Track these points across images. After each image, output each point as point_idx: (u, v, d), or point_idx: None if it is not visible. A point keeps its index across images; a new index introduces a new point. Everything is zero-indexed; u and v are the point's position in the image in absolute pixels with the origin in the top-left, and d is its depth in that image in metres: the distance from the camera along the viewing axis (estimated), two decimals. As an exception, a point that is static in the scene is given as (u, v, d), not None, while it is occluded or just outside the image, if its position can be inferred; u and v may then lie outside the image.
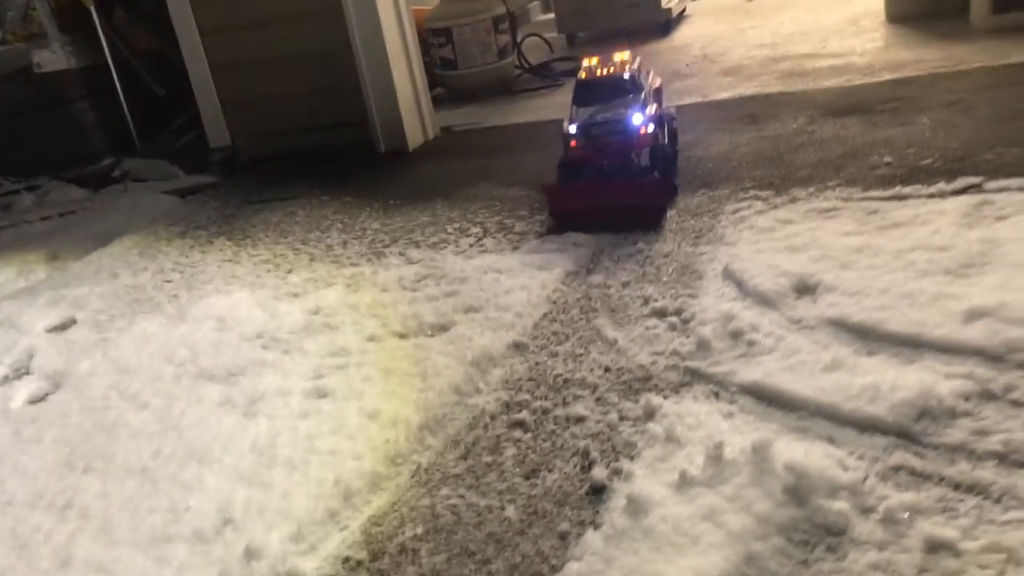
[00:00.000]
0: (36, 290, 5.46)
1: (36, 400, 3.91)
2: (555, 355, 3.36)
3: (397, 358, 3.58)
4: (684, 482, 2.36)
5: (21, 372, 4.24)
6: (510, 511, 2.56)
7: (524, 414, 3.01)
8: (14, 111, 8.28)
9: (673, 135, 5.05)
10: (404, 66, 6.92)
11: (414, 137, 7.05)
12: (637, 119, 4.22)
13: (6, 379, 4.20)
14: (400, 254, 4.78)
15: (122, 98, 8.21)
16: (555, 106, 7.47)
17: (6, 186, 8.30)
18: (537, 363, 3.34)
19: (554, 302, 3.78)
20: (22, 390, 4.01)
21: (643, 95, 4.38)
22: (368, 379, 3.45)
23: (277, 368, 3.70)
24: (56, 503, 3.02)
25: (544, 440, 2.86)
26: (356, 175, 6.59)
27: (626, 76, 4.40)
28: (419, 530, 2.56)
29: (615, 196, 4.35)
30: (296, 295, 4.48)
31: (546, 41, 9.33)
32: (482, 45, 8.21)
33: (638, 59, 4.76)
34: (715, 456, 2.39)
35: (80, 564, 2.67)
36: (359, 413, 3.18)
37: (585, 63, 4.65)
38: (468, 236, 4.79)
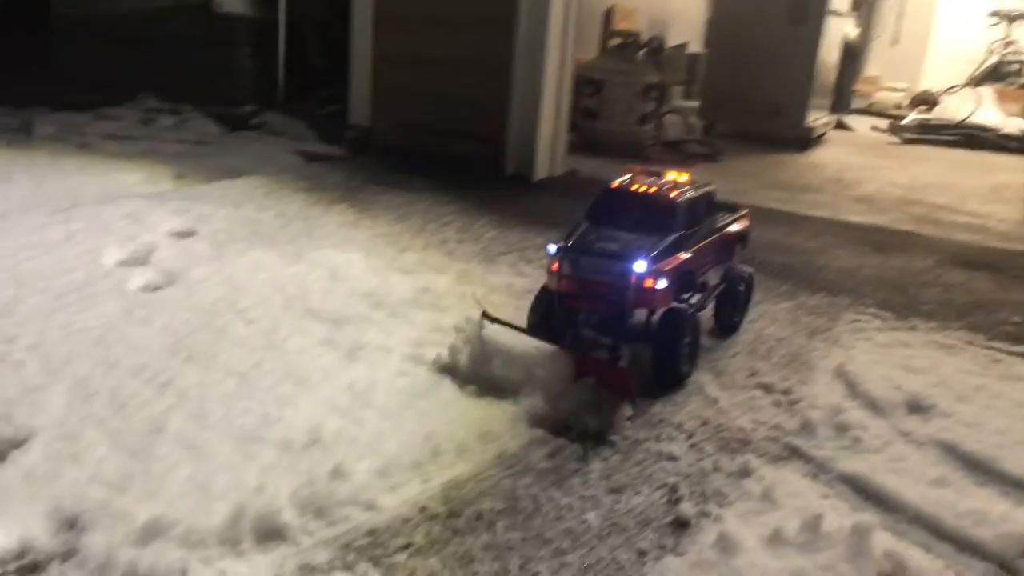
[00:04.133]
0: (164, 197, 5.70)
1: (150, 289, 4.06)
2: (654, 395, 3.37)
3: (499, 352, 3.62)
4: (777, 539, 2.34)
5: (139, 262, 4.41)
6: (591, 516, 2.56)
7: (616, 437, 3.02)
8: (181, 40, 8.73)
9: (729, 299, 3.92)
10: (554, 100, 7.11)
11: (542, 168, 7.20)
12: (640, 266, 3.04)
13: (123, 263, 4.37)
14: (511, 265, 4.86)
15: (282, 55, 8.59)
16: (682, 182, 7.56)
17: (152, 104, 8.71)
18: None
19: (660, 348, 3.80)
20: (138, 277, 4.16)
21: (676, 236, 3.25)
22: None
23: (382, 327, 3.78)
24: (157, 379, 3.12)
25: (633, 466, 2.86)
26: (479, 187, 6.75)
27: (664, 202, 3.31)
28: (498, 506, 2.58)
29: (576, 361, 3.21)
30: (408, 272, 4.58)
31: (687, 122, 9.47)
32: (628, 105, 8.39)
33: (707, 188, 3.61)
34: (812, 525, 2.37)
35: (171, 436, 2.74)
36: (457, 387, 3.23)
37: (631, 172, 3.59)
38: (582, 268, 4.85)
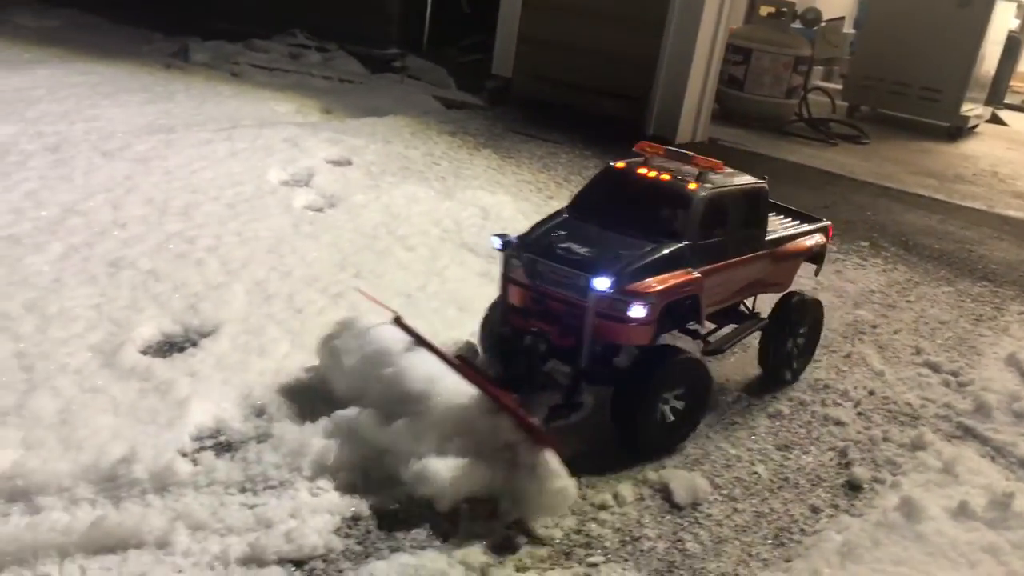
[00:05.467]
0: (317, 127, 5.83)
1: (314, 209, 4.17)
2: (816, 361, 3.28)
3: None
4: (963, 512, 2.26)
5: (301, 183, 4.53)
6: (760, 469, 2.53)
7: (780, 396, 2.96)
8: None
9: (776, 340, 2.89)
10: (704, 63, 6.95)
11: (684, 133, 7.06)
12: (601, 283, 2.19)
13: (287, 183, 4.50)
14: (659, 223, 4.81)
15: (429, 1, 8.65)
16: (823, 159, 7.34)
17: (301, 40, 8.90)
18: (797, 360, 3.27)
19: (817, 317, 3.70)
20: (302, 197, 4.28)
21: (682, 245, 2.34)
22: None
23: (536, 267, 3.80)
24: (329, 291, 3.22)
25: (800, 426, 2.81)
26: (620, 144, 6.62)
27: (675, 194, 2.43)
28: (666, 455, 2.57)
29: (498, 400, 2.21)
30: (556, 218, 4.57)
31: (832, 100, 9.13)
32: (775, 77, 8.13)
33: (751, 183, 2.66)
34: (1003, 503, 2.27)
35: (349, 343, 2.83)
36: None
37: (648, 151, 2.70)
38: (730, 232, 4.77)
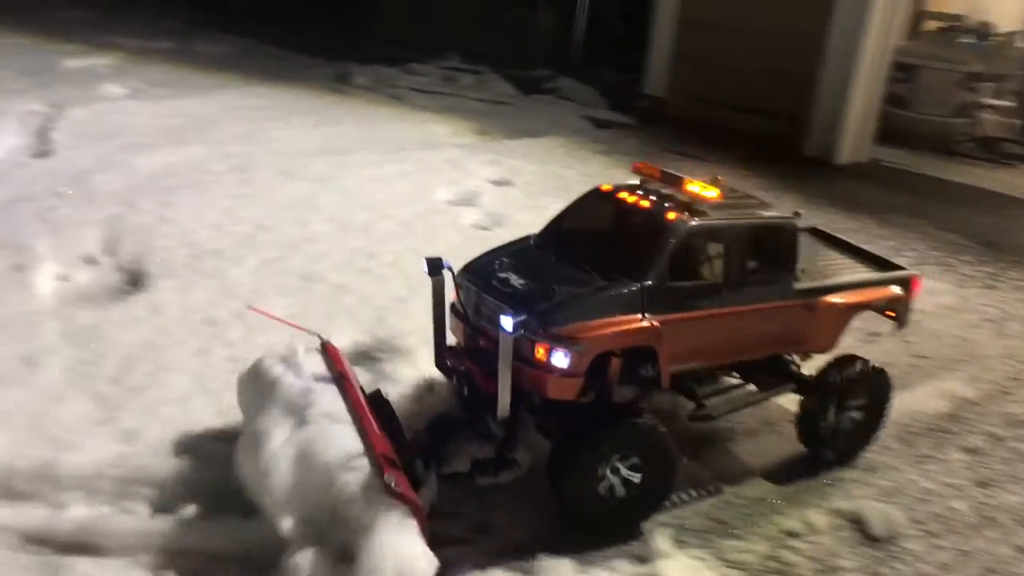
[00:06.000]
0: (475, 148, 6.01)
1: (481, 227, 4.31)
2: (1007, 392, 3.11)
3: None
4: None
5: (467, 203, 4.68)
6: (958, 505, 2.42)
7: (974, 430, 2.82)
8: (481, 3, 9.11)
9: (816, 415, 2.41)
10: (867, 80, 6.72)
11: (846, 152, 6.83)
12: (507, 323, 1.89)
13: (453, 203, 4.66)
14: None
15: (582, 21, 8.75)
16: (996, 180, 6.96)
17: (454, 63, 9.17)
18: (989, 393, 3.11)
19: (1007, 345, 3.51)
20: (468, 216, 4.44)
21: (642, 285, 1.97)
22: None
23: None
24: (504, 306, 3.32)
25: (999, 462, 2.67)
26: (777, 164, 6.51)
27: (651, 222, 2.09)
28: (853, 476, 2.49)
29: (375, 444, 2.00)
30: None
31: (1006, 118, 8.61)
32: (944, 95, 7.75)
33: (768, 215, 2.28)
34: None
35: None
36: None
37: (643, 172, 2.34)
38: (902, 257, 4.58)
